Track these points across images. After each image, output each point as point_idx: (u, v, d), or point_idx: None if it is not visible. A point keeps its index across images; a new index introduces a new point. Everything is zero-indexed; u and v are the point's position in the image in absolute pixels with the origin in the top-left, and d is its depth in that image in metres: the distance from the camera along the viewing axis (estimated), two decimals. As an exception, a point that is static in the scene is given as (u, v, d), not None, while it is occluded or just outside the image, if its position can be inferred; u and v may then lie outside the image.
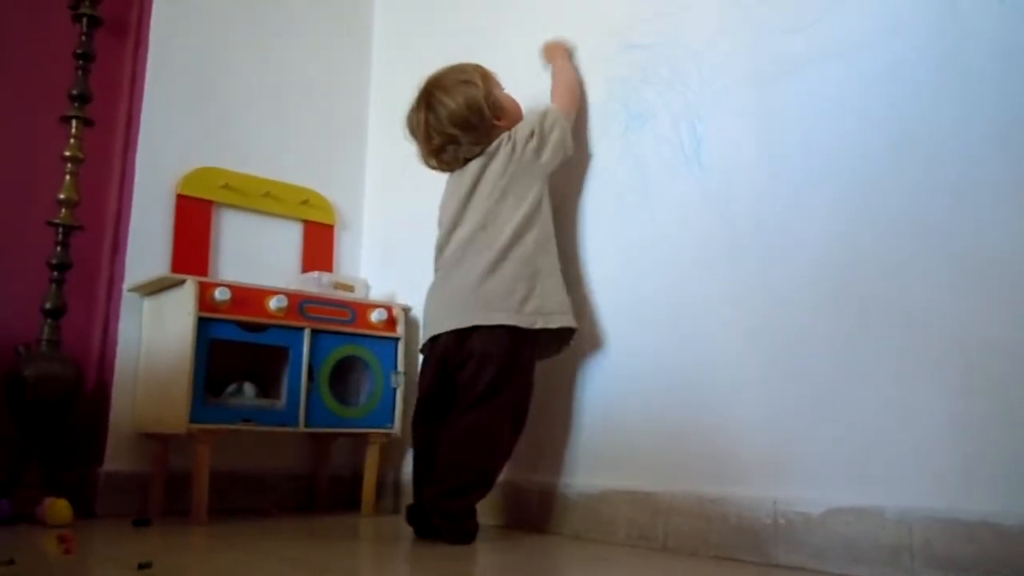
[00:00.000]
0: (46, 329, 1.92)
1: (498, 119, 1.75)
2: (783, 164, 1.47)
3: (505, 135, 1.74)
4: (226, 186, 2.22)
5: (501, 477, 1.67)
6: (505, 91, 1.81)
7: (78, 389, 1.93)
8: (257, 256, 2.25)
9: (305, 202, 2.37)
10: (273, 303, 1.93)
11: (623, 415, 1.66)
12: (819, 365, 1.37)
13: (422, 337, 1.74)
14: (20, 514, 1.74)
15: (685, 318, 1.58)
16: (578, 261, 1.80)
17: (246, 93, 2.32)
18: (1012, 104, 1.21)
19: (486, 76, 1.77)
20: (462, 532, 1.55)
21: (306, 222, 2.38)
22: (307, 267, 2.33)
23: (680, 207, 1.63)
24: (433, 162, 1.81)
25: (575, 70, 1.86)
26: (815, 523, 1.31)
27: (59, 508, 1.71)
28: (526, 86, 1.88)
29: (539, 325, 1.63)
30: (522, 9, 2.09)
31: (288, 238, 2.34)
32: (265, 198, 2.29)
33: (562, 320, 1.65)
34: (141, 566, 1.19)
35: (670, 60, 1.69)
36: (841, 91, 1.41)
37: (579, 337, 1.72)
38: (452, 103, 1.71)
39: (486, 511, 1.85)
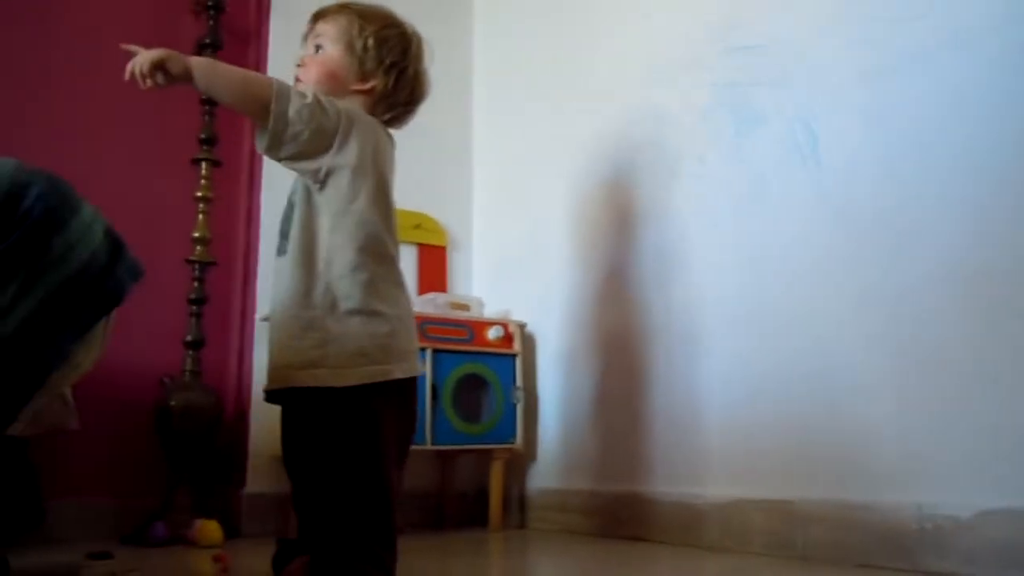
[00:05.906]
0: (188, 360, 2.04)
1: None
2: (902, 160, 1.43)
3: None
4: (344, 216, 2.30)
5: (634, 491, 1.66)
6: None
7: (219, 416, 2.03)
8: (376, 281, 2.32)
9: (418, 226, 2.43)
10: (395, 326, 1.98)
11: (749, 423, 1.64)
12: (949, 365, 1.33)
13: (401, 369, 1.20)
14: (174, 536, 1.84)
15: (807, 322, 1.55)
16: (691, 270, 1.80)
17: (357, 125, 2.40)
18: None
19: None
20: None
21: (420, 245, 2.44)
22: (423, 289, 2.39)
23: (798, 209, 1.60)
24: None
25: None
26: (964, 527, 1.26)
27: (210, 529, 1.80)
28: (623, 94, 1.87)
29: None
30: (620, 18, 2.10)
31: (403, 262, 2.38)
32: (380, 225, 2.37)
33: None
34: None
35: (777, 60, 1.67)
36: (959, 82, 1.37)
37: (697, 346, 1.70)
38: None
39: (619, 525, 1.85)
